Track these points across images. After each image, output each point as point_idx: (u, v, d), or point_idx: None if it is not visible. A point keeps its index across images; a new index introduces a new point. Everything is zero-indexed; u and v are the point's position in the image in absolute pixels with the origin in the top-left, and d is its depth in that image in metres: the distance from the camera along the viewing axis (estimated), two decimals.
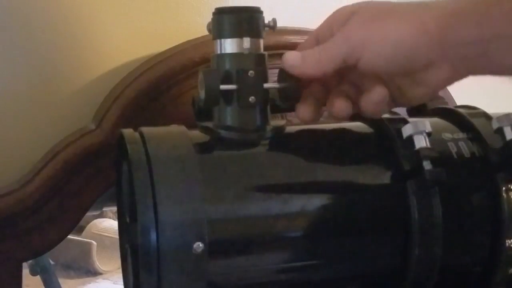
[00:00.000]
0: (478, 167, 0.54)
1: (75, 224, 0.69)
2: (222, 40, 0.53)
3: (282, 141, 0.53)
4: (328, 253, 0.52)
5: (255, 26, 0.53)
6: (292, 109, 0.54)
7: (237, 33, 0.52)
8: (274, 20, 0.54)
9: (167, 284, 0.46)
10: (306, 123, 0.54)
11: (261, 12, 0.53)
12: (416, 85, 0.52)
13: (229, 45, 0.53)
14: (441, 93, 0.76)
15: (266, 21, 0.54)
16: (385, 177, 0.53)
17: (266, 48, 0.54)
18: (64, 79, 0.71)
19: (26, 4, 0.69)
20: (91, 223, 2.13)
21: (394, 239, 0.52)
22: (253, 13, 0.53)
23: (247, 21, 0.52)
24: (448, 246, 0.52)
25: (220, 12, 0.53)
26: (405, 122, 0.53)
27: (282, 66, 0.52)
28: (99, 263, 2.03)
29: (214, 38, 0.53)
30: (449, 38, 0.47)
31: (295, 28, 0.74)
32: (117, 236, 0.59)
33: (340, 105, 0.53)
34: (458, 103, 0.75)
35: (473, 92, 0.74)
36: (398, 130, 0.52)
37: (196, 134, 0.53)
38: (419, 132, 0.51)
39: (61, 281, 1.70)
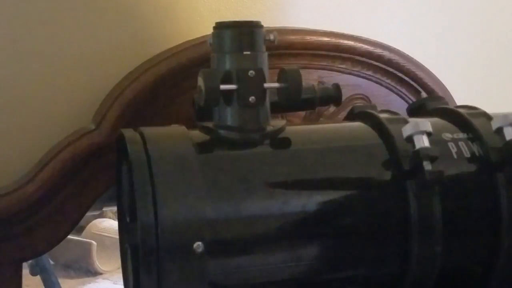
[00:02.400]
0: (478, 167, 0.54)
1: (75, 224, 0.69)
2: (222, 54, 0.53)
3: (282, 141, 0.53)
4: (328, 253, 0.52)
5: (256, 40, 0.53)
6: (292, 109, 0.54)
7: (238, 48, 0.52)
8: (274, 34, 0.53)
9: (167, 283, 0.46)
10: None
11: (262, 27, 0.53)
12: None
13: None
14: (441, 93, 0.76)
15: (266, 31, 0.54)
16: (385, 177, 0.53)
17: (266, 48, 0.54)
18: (64, 79, 0.71)
19: (26, 4, 0.68)
20: (91, 223, 2.13)
21: (394, 238, 0.52)
22: (254, 28, 0.53)
23: (247, 36, 0.52)
24: (448, 245, 0.52)
25: (220, 27, 0.53)
26: (405, 122, 0.53)
27: None
28: (99, 263, 2.03)
29: (214, 52, 0.53)
30: None
31: (295, 28, 0.74)
32: (117, 236, 0.59)
33: None
34: (458, 103, 0.75)
35: (473, 92, 0.74)
36: (398, 130, 0.52)
37: (196, 134, 0.53)
38: (419, 132, 0.51)
39: (61, 281, 1.70)
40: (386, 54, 0.73)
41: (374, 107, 0.59)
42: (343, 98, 0.62)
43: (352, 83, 0.73)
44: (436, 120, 0.57)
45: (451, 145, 0.54)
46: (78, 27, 0.71)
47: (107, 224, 2.12)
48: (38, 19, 0.69)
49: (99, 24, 0.71)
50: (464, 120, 0.56)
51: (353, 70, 0.73)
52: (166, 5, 0.73)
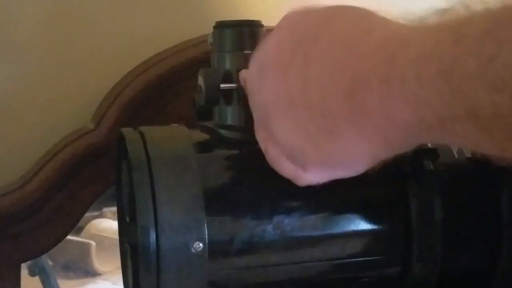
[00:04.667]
0: (479, 167, 0.54)
1: (74, 224, 0.69)
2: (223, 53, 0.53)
3: None
4: (328, 253, 0.51)
5: (256, 40, 0.52)
6: None
7: (238, 47, 0.52)
8: None
9: (167, 283, 0.46)
10: None
11: (262, 26, 0.53)
12: None
13: None
14: None
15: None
16: (385, 177, 0.52)
17: None
18: (63, 79, 0.71)
19: (25, 4, 0.68)
20: (90, 224, 2.12)
21: (394, 239, 0.52)
22: (254, 27, 0.53)
23: (248, 35, 0.52)
24: (448, 246, 0.52)
25: (221, 26, 0.53)
26: None
27: None
28: (98, 264, 2.02)
29: (215, 52, 0.53)
30: None
31: None
32: (116, 237, 0.59)
33: None
34: None
35: None
36: None
37: (197, 134, 0.53)
38: None
39: (60, 282, 1.70)
40: None
41: None
42: None
43: None
44: None
45: None
46: (77, 27, 0.71)
47: (106, 225, 2.11)
48: (37, 19, 0.69)
49: (98, 24, 0.71)
50: None
51: None
52: (166, 5, 0.73)
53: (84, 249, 2.01)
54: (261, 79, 0.41)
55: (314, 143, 0.39)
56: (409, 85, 0.34)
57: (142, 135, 0.50)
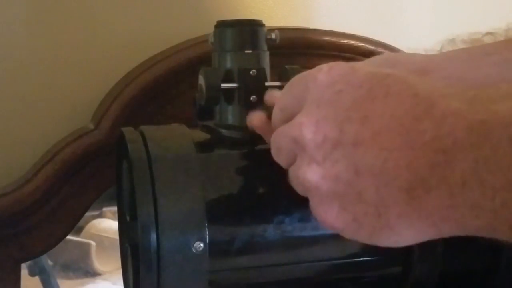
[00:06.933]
0: None
1: (74, 224, 0.68)
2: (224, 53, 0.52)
3: None
4: (328, 253, 0.51)
5: (257, 39, 0.52)
6: None
7: (239, 47, 0.52)
8: (276, 33, 0.53)
9: (167, 283, 0.46)
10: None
11: (263, 25, 0.53)
12: None
13: None
14: None
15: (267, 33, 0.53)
16: None
17: (268, 47, 0.54)
18: (63, 79, 0.71)
19: (26, 3, 0.68)
20: (90, 224, 2.13)
21: None
22: (255, 27, 0.53)
23: (249, 35, 0.52)
24: (449, 246, 0.52)
25: (222, 25, 0.53)
26: None
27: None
28: (98, 264, 2.02)
29: (216, 51, 0.53)
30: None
31: (295, 27, 0.73)
32: (116, 237, 0.59)
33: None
34: None
35: None
36: None
37: (197, 133, 0.53)
38: None
39: (60, 282, 1.70)
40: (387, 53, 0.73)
41: None
42: None
43: None
44: None
45: None
46: (77, 27, 0.71)
47: (106, 225, 2.11)
48: (37, 19, 0.69)
49: (98, 24, 0.71)
50: None
51: None
52: (166, 5, 0.73)
53: (84, 249, 2.01)
54: (296, 150, 0.38)
55: (359, 226, 0.37)
56: (471, 191, 0.31)
57: (142, 134, 0.49)
